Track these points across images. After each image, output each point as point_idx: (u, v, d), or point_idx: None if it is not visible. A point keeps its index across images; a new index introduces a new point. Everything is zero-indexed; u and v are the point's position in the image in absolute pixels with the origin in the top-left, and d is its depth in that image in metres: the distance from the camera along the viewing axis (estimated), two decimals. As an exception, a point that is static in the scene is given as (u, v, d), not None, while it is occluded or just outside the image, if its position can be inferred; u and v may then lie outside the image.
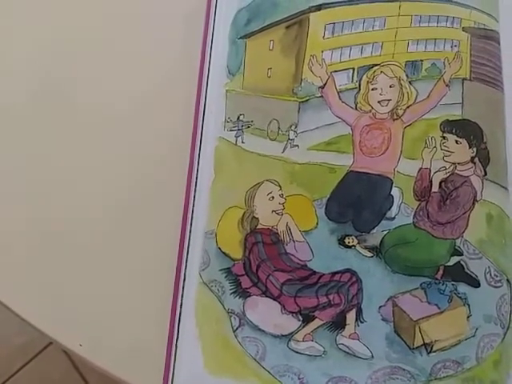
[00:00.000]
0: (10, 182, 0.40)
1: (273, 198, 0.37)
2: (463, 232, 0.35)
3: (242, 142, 0.38)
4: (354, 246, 0.35)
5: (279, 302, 0.35)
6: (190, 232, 0.36)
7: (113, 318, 0.37)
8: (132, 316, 0.37)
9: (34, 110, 0.41)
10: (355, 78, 0.38)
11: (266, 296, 0.35)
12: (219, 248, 0.36)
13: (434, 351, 0.34)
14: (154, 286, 0.37)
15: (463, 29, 0.38)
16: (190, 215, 0.37)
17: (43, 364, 1.06)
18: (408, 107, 0.37)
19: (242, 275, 0.36)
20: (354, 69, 0.38)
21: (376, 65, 0.37)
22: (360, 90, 0.37)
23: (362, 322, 0.34)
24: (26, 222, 0.39)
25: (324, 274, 0.35)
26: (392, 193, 0.36)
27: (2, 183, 0.40)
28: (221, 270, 0.36)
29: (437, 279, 0.35)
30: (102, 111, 0.41)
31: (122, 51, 0.42)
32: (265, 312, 0.35)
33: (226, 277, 0.36)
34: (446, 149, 0.36)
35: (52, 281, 0.38)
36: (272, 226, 0.36)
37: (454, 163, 0.36)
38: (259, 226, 0.36)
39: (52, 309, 0.37)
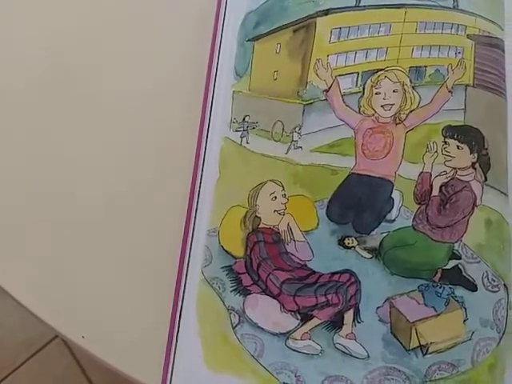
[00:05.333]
0: (20, 171, 0.41)
1: (275, 197, 0.37)
2: (462, 236, 0.35)
3: (247, 143, 0.38)
4: (354, 247, 0.36)
5: (278, 301, 0.36)
6: (194, 229, 0.37)
7: (115, 311, 0.37)
8: (134, 310, 0.37)
9: (44, 96, 0.42)
10: (359, 82, 0.38)
11: (266, 294, 0.36)
12: (221, 246, 0.36)
13: (430, 353, 0.34)
14: (156, 281, 0.37)
15: (468, 36, 0.38)
16: (193, 213, 0.37)
17: (46, 359, 1.07)
18: (411, 112, 0.37)
19: (243, 273, 0.36)
20: (358, 73, 0.38)
21: (380, 70, 0.38)
22: (364, 94, 0.38)
23: (359, 323, 0.35)
24: (36, 210, 0.40)
25: (323, 274, 0.36)
26: (392, 195, 0.36)
27: (12, 170, 0.41)
28: (222, 267, 0.36)
29: (434, 282, 0.35)
30: (109, 109, 0.41)
31: (130, 50, 0.42)
32: (264, 310, 0.35)
33: (227, 274, 0.36)
34: (447, 154, 0.36)
35: (56, 274, 0.38)
36: (273, 226, 0.37)
37: (454, 168, 0.36)
38: (261, 226, 0.37)
39: (55, 301, 0.38)
